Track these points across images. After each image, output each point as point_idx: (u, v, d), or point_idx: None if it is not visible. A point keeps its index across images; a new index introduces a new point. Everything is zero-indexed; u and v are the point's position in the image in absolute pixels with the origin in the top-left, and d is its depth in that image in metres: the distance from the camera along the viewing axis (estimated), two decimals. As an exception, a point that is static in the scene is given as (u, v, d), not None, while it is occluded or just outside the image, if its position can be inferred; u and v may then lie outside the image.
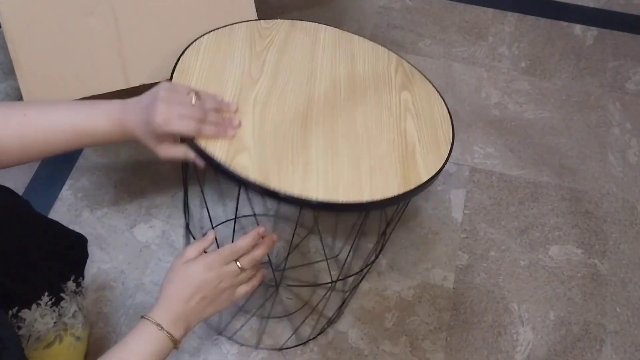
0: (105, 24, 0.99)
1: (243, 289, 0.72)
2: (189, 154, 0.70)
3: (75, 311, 0.88)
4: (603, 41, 1.48)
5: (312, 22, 0.93)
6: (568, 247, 1.17)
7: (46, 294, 0.82)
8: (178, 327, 0.67)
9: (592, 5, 1.56)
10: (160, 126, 0.65)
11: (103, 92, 1.01)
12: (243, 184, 0.68)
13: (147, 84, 1.01)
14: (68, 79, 0.99)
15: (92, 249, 1.13)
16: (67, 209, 1.17)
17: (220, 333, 1.03)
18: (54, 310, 0.84)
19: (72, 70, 0.99)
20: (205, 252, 0.71)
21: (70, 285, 0.88)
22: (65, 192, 1.20)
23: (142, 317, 0.66)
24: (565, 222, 1.20)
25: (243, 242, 0.71)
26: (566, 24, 1.52)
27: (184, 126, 0.66)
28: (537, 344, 1.06)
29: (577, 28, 1.51)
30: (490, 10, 1.53)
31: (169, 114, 0.65)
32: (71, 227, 1.15)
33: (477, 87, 1.39)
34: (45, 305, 0.82)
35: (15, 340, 0.68)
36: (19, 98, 1.33)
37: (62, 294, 0.85)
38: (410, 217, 1.19)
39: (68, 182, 1.21)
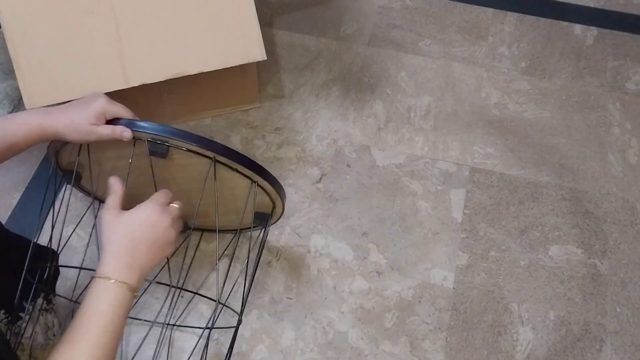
0: (105, 23, 0.99)
1: (179, 230, 0.74)
2: (115, 130, 0.76)
3: (34, 332, 0.85)
4: (603, 41, 1.48)
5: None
6: (568, 247, 1.17)
7: (2, 311, 0.79)
8: (131, 274, 0.66)
9: (592, 5, 1.56)
10: (104, 102, 0.76)
11: (103, 92, 1.00)
12: None
13: (147, 84, 1.01)
14: (68, 79, 0.99)
15: (92, 248, 1.13)
16: (67, 209, 1.17)
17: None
18: (9, 329, 0.81)
19: (72, 70, 0.99)
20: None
21: (39, 302, 0.86)
22: (65, 192, 1.20)
23: (92, 277, 0.65)
24: (565, 222, 1.20)
25: (165, 189, 0.74)
26: (566, 24, 1.52)
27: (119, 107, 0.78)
28: (537, 344, 1.06)
29: (577, 28, 1.51)
30: (490, 10, 1.53)
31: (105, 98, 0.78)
32: (71, 227, 1.16)
33: (477, 87, 1.39)
34: (0, 322, 0.80)
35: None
36: (19, 98, 1.33)
37: (20, 313, 0.83)
38: (410, 217, 1.19)
39: (68, 182, 1.21)
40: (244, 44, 1.03)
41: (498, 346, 1.06)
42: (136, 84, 1.00)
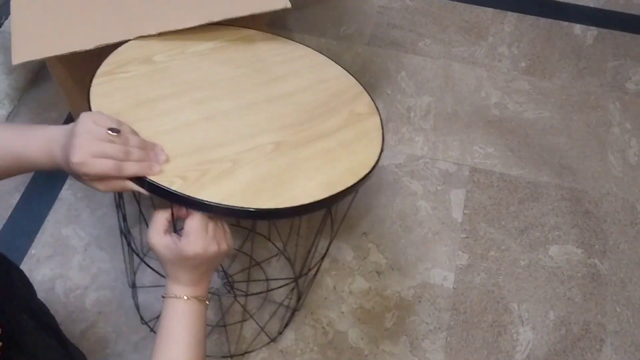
0: None
1: (229, 239, 0.73)
2: (128, 185, 0.65)
3: None
4: (603, 41, 1.48)
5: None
6: (568, 247, 1.17)
7: None
8: (200, 288, 0.70)
9: (592, 5, 1.56)
10: (78, 168, 0.60)
11: (107, 43, 0.94)
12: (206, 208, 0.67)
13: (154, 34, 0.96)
14: (65, 32, 0.90)
15: (92, 248, 1.13)
16: (67, 208, 1.18)
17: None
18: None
19: (72, 23, 0.92)
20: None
21: None
22: (65, 192, 1.20)
23: (163, 297, 0.69)
24: (565, 222, 1.20)
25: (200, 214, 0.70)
26: (566, 23, 1.52)
27: (102, 166, 0.61)
28: (537, 344, 1.06)
29: (577, 28, 1.51)
30: (490, 10, 1.53)
31: (84, 154, 0.60)
32: (70, 227, 1.16)
33: (477, 87, 1.39)
34: None
35: None
36: (19, 98, 1.33)
37: None
38: (410, 217, 1.19)
39: (68, 182, 1.21)
40: None
41: (498, 346, 1.06)
42: (154, 32, 0.94)
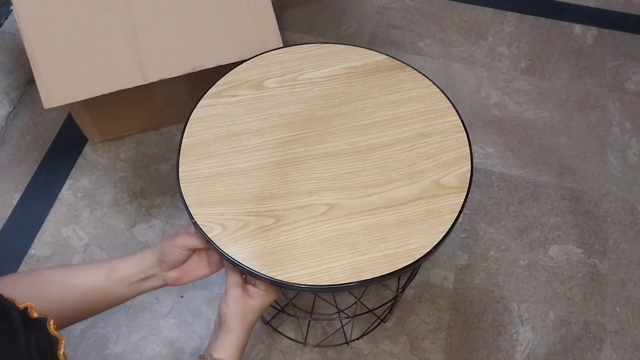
0: (121, 20, 0.98)
1: None
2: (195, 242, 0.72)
3: None
4: (603, 41, 1.48)
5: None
6: (568, 247, 1.17)
7: None
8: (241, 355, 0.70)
9: (592, 5, 1.56)
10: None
11: (121, 89, 0.99)
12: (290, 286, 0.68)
13: (166, 79, 1.01)
14: (86, 77, 0.98)
15: (92, 248, 1.13)
16: (67, 208, 1.18)
17: (267, 322, 1.06)
18: None
19: (90, 69, 0.98)
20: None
21: None
22: (65, 192, 1.20)
23: (205, 356, 0.67)
24: (565, 222, 1.20)
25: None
26: (566, 23, 1.52)
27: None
28: (537, 344, 1.06)
29: (577, 28, 1.51)
30: (490, 10, 1.53)
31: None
32: (70, 227, 1.16)
33: (476, 86, 1.39)
34: None
35: None
36: (19, 98, 1.33)
37: None
38: (410, 217, 1.19)
39: (68, 182, 1.21)
40: (260, 34, 1.02)
41: (498, 346, 1.06)
42: (154, 80, 0.99)
